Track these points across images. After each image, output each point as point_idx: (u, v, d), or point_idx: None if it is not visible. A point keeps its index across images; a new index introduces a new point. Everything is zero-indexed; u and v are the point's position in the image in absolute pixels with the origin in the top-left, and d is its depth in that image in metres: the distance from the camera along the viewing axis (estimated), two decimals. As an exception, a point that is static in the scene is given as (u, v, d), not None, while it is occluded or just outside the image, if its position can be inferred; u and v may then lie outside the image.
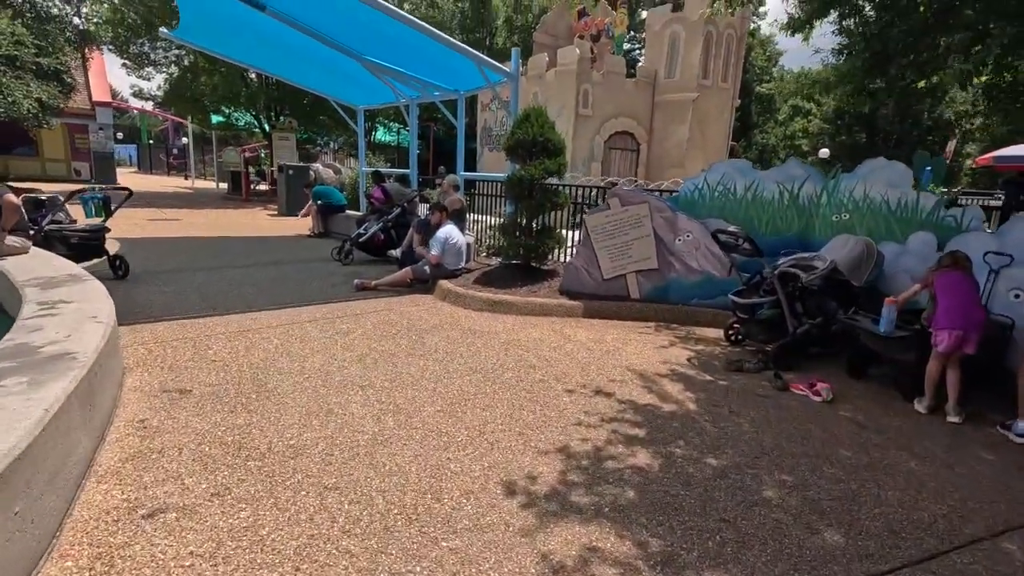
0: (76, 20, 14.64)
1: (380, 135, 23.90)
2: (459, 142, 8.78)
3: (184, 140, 30.90)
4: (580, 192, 6.89)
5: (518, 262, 6.31)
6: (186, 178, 29.40)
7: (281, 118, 18.61)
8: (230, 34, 8.69)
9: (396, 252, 7.57)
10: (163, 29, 8.76)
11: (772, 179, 5.53)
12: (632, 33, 27.36)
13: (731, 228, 4.68)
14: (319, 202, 10.34)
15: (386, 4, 5.64)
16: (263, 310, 5.22)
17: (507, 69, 6.81)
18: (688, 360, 4.48)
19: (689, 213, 5.73)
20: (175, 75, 18.53)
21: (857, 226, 5.12)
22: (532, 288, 5.97)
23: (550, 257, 6.60)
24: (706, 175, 5.76)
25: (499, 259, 7.42)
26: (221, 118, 19.92)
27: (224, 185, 21.38)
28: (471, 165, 19.98)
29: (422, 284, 6.44)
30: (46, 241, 5.56)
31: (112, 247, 8.15)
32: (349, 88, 10.28)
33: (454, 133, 23.90)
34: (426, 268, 6.31)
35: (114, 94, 38.97)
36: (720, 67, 14.09)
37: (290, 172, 13.80)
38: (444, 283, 6.17)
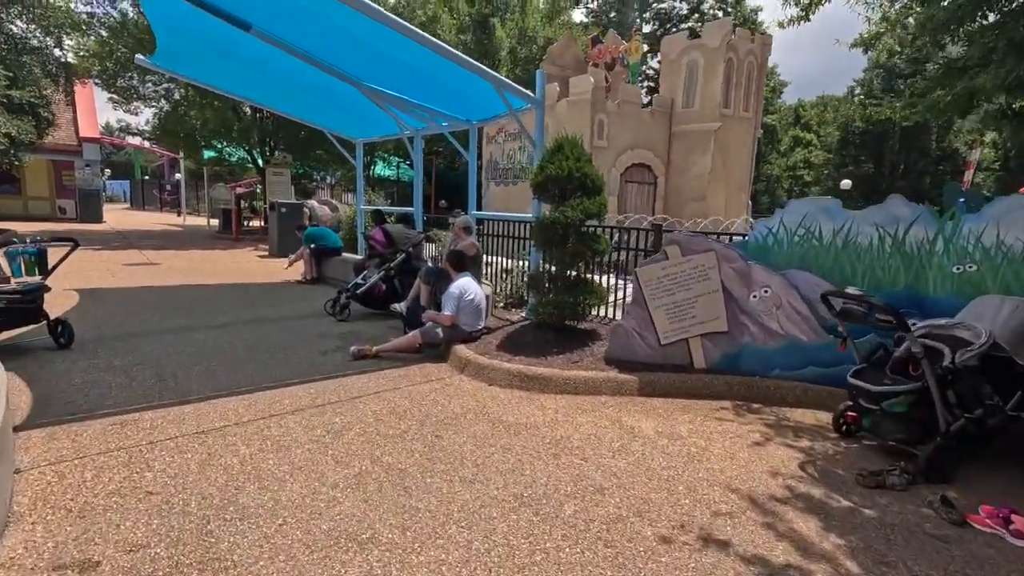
0: (57, 52, 13.83)
1: (379, 169, 23.09)
2: (471, 178, 7.78)
3: (178, 176, 30.11)
4: (606, 233, 5.84)
5: (550, 321, 5.18)
6: (178, 215, 28.49)
7: (275, 153, 17.75)
8: (213, 60, 7.76)
9: (400, 306, 6.47)
10: (139, 56, 7.83)
11: (869, 221, 4.47)
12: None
13: (851, 290, 3.58)
14: (312, 245, 9.27)
15: (391, 16, 4.67)
16: (234, 394, 4.07)
17: (531, 94, 5.84)
18: (802, 468, 3.32)
19: (763, 263, 4.65)
20: (164, 109, 17.73)
21: (989, 280, 4.05)
22: (571, 356, 4.84)
23: (591, 313, 5.49)
24: (782, 216, 4.70)
25: (521, 313, 6.31)
26: (213, 153, 19.07)
27: (215, 222, 20.42)
28: (477, 201, 19.09)
29: (433, 348, 5.31)
30: (-35, 306, 4.44)
31: (70, 301, 7.05)
32: (347, 119, 9.34)
33: (457, 167, 23.10)
34: (438, 331, 5.18)
35: (111, 130, 38.51)
36: (741, 96, 13.33)
37: (282, 210, 12.81)
38: (461, 349, 5.04)
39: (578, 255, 4.99)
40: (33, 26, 13.15)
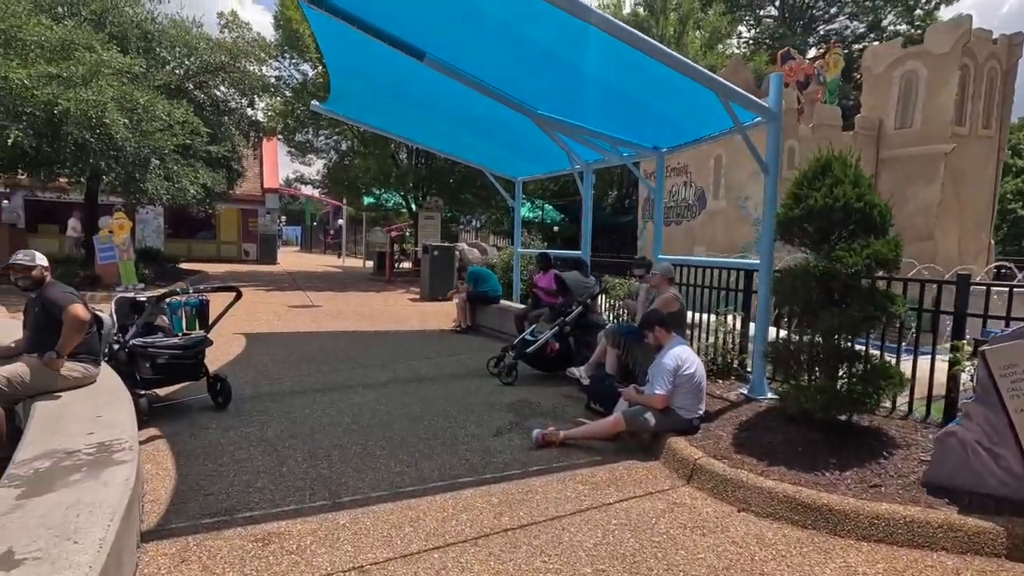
0: (249, 111, 15.37)
1: (524, 211, 22.82)
2: (657, 216, 6.54)
3: (340, 222, 32.87)
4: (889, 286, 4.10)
5: (815, 415, 3.60)
6: (338, 256, 30.85)
7: (427, 197, 18.10)
8: (380, 100, 7.53)
9: (579, 372, 5.29)
10: (314, 102, 7.87)
11: None
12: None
13: None
14: (470, 287, 8.52)
15: (603, 15, 3.67)
16: (397, 495, 3.10)
17: (765, 104, 4.47)
18: None
19: None
20: (333, 159, 19.07)
21: None
22: (861, 473, 3.22)
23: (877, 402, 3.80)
24: None
25: (740, 390, 4.79)
26: (371, 199, 20.07)
27: (370, 264, 21.37)
28: (630, 242, 17.66)
29: (632, 436, 4.01)
30: (131, 360, 4.09)
31: (236, 347, 6.90)
32: (509, 157, 8.68)
33: (604, 207, 21.94)
34: (647, 417, 3.86)
35: (289, 183, 43.86)
36: (980, 110, 10.62)
37: (435, 253, 12.55)
38: (682, 446, 3.67)
39: (868, 321, 3.41)
40: (232, 90, 14.72)
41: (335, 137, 18.97)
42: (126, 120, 9.66)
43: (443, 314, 10.42)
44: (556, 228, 24.18)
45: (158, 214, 21.79)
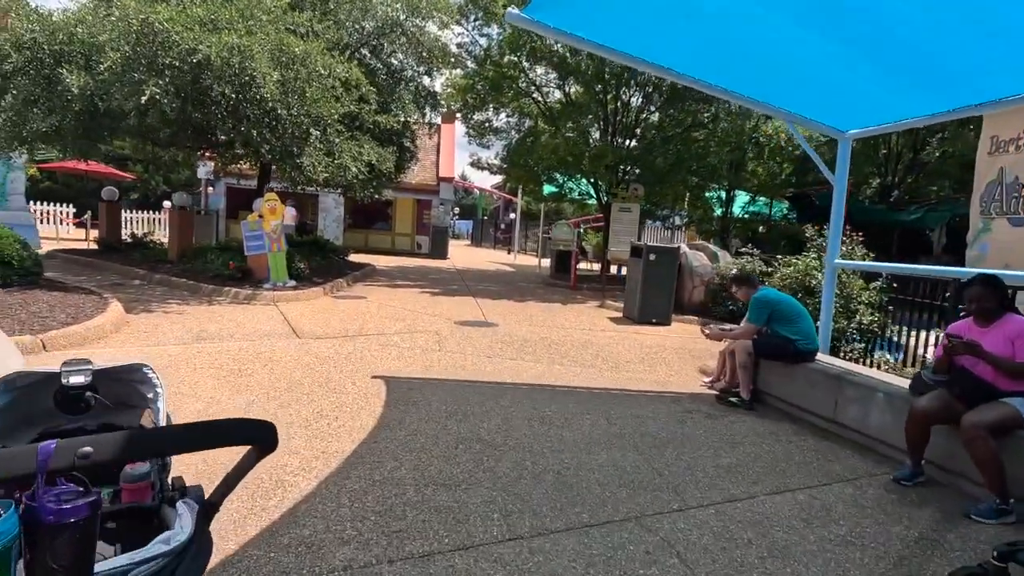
0: (427, 80, 13.22)
1: (738, 206, 18.00)
2: None
3: (512, 216, 30.90)
4: None
5: None
6: (508, 252, 28.85)
7: (623, 184, 14.45)
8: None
9: None
10: (511, 10, 4.69)
11: None
12: None
13: None
14: (765, 327, 4.70)
15: None
16: None
17: None
18: None
19: None
20: (514, 140, 16.42)
21: None
22: None
23: None
24: None
25: None
26: (553, 188, 17.05)
27: (546, 263, 18.45)
28: (914, 252, 11.98)
29: None
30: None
31: (365, 414, 3.57)
32: (849, 84, 4.62)
33: (860, 199, 16.08)
34: None
35: (464, 178, 43.56)
36: None
37: (651, 257, 8.89)
38: None
39: None
40: (409, 58, 12.65)
41: (517, 115, 16.31)
42: (279, 76, 7.63)
43: (672, 351, 6.76)
44: (761, 228, 18.70)
45: (339, 203, 21.33)
